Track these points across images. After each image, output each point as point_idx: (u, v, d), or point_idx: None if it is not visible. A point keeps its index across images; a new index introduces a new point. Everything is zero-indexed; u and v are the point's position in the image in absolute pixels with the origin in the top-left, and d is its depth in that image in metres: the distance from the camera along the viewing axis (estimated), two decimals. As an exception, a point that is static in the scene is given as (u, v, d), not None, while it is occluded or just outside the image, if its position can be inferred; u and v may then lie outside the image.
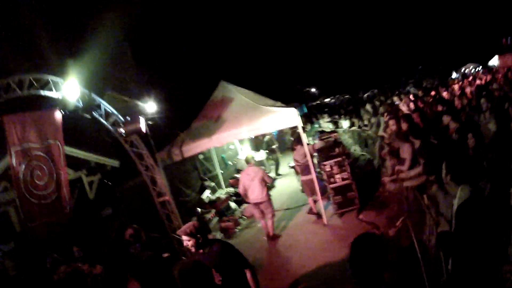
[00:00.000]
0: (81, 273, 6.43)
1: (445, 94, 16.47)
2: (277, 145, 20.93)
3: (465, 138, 7.80)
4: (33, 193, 8.53)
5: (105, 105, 9.74)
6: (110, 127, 9.89)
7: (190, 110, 14.64)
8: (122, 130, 9.68)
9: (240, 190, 11.83)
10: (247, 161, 12.15)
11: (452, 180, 5.54)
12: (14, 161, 8.24)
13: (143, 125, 9.68)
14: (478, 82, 19.47)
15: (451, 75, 40.62)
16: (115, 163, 13.83)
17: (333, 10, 56.72)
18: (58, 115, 9.00)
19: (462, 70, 42.46)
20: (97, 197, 13.21)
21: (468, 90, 16.07)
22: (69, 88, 8.72)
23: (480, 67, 40.15)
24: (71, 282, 5.93)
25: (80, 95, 8.99)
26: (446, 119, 9.57)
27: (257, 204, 11.36)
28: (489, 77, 20.42)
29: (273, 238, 11.40)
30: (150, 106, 10.73)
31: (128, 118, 9.76)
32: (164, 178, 11.03)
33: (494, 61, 37.62)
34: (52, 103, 9.18)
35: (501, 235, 4.74)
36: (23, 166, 8.34)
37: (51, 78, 8.69)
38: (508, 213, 4.91)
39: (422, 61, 52.78)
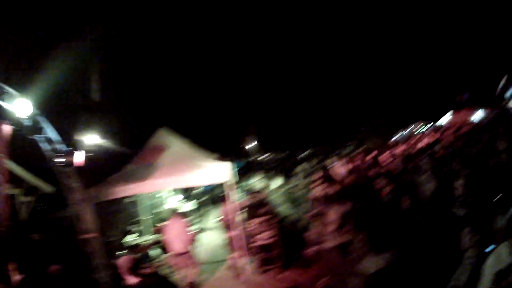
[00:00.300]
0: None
1: (384, 155, 16.79)
2: (207, 197, 21.06)
3: (399, 200, 8.18)
4: None
5: (50, 130, 9.65)
6: (49, 153, 9.80)
7: (126, 152, 14.66)
8: (59, 160, 9.60)
9: (166, 239, 11.89)
10: (174, 212, 12.41)
11: (372, 248, 6.07)
12: None
13: (81, 159, 9.63)
14: (424, 141, 20.12)
15: (396, 135, 41.54)
16: (50, 189, 13.62)
17: (279, 66, 57.59)
18: (6, 128, 8.80)
19: (409, 129, 43.79)
20: (30, 218, 12.96)
21: (408, 151, 16.82)
22: (22, 104, 8.61)
23: (429, 125, 41.66)
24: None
25: (30, 113, 8.90)
26: (381, 181, 9.83)
27: (179, 255, 11.38)
28: (435, 136, 20.98)
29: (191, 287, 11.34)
30: (90, 139, 10.68)
31: (68, 149, 9.70)
32: (92, 215, 10.87)
33: (446, 118, 38.97)
34: (2, 115, 9.05)
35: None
36: None
37: (6, 88, 8.60)
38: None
39: (368, 121, 53.36)
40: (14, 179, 11.60)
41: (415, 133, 39.11)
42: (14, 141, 8.84)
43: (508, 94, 39.69)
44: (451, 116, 38.02)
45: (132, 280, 5.73)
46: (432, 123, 42.18)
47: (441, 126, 36.03)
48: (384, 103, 53.50)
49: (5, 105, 8.58)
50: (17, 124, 8.78)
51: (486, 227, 6.16)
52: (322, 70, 58.07)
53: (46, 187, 13.60)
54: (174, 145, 13.12)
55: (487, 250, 5.05)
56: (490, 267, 4.47)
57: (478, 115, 36.29)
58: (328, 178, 12.32)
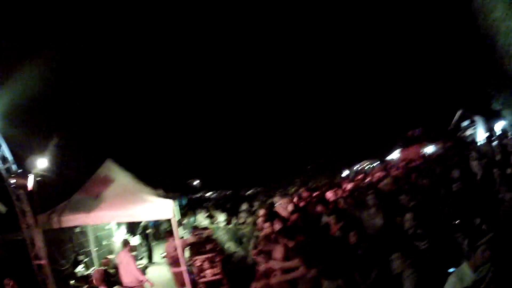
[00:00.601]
0: None
1: (330, 194, 17.02)
2: (152, 231, 21.06)
3: (347, 235, 8.16)
4: None
5: (5, 149, 9.58)
6: (3, 172, 9.69)
7: (77, 179, 14.53)
8: (12, 181, 9.52)
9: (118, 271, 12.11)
10: (124, 245, 12.58)
11: (323, 276, 6.25)
12: None
13: (30, 182, 9.57)
14: (371, 177, 20.66)
15: (342, 173, 42.02)
16: (2, 208, 13.34)
17: (223, 104, 57.99)
18: None
19: (356, 167, 44.45)
20: None
21: (354, 188, 17.34)
22: None
23: (377, 163, 42.04)
24: None
25: None
26: (327, 219, 10.05)
27: None
28: (382, 173, 21.44)
29: None
30: (42, 163, 10.60)
31: (20, 171, 9.63)
32: (42, 242, 10.77)
33: (394, 155, 39.82)
34: None
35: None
36: None
37: None
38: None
39: (315, 159, 53.81)
40: None
41: (363, 170, 39.62)
42: None
43: (462, 126, 41.55)
44: (400, 152, 38.99)
45: None
46: (380, 160, 43.10)
47: (389, 162, 36.73)
48: (331, 142, 54.74)
49: None
50: None
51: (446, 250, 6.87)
52: (268, 111, 58.72)
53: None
54: (120, 177, 13.07)
55: (450, 270, 5.30)
56: (452, 286, 4.80)
57: (429, 149, 37.74)
58: (274, 215, 12.66)
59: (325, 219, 10.31)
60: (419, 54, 45.89)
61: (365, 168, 42.18)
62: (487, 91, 35.60)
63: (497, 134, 32.85)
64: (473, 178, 11.20)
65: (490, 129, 38.57)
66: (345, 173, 42.61)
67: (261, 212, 15.07)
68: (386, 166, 30.67)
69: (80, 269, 14.41)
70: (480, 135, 39.75)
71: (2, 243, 12.35)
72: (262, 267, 9.64)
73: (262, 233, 11.48)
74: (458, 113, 44.56)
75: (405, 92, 50.06)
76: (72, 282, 13.18)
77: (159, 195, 13.08)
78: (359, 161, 47.59)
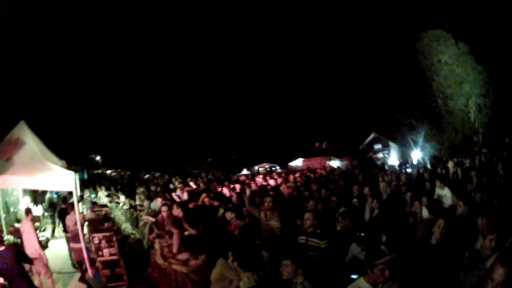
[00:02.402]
0: None
1: (226, 190, 17.26)
2: (55, 204, 20.64)
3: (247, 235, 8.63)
4: None
5: None
6: None
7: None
8: None
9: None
10: (26, 213, 12.56)
11: (239, 266, 6.39)
12: None
13: None
14: (271, 180, 20.53)
15: (242, 171, 43.39)
16: None
17: (134, 84, 57.42)
18: None
19: (256, 168, 45.77)
20: None
21: (254, 188, 17.23)
22: None
23: (277, 167, 44.37)
24: None
25: None
26: (229, 215, 10.12)
27: (32, 260, 10.81)
28: (282, 177, 21.59)
29: None
30: None
31: None
32: None
33: (296, 163, 41.16)
34: None
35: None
36: None
37: None
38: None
39: (215, 154, 55.18)
40: None
41: (263, 172, 40.44)
42: None
43: (375, 148, 43.83)
44: (302, 162, 40.37)
45: None
46: (280, 165, 45.32)
47: (290, 168, 38.35)
48: (234, 140, 55.50)
49: None
50: None
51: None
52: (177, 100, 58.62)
53: None
54: (29, 143, 12.79)
55: (353, 276, 5.85)
56: None
57: (334, 163, 39.43)
58: (172, 201, 12.73)
59: (228, 215, 10.28)
60: (353, 69, 47.78)
61: (265, 170, 42.34)
62: (409, 121, 38.75)
63: (413, 163, 35.47)
64: (379, 197, 11.28)
65: (403, 157, 41.69)
66: (244, 171, 43.76)
67: (160, 197, 15.42)
68: (288, 171, 32.44)
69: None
70: (393, 160, 42.75)
71: None
72: (158, 252, 9.76)
73: (160, 216, 11.61)
74: (372, 135, 46.99)
75: (321, 103, 52.90)
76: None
77: (62, 166, 12.87)
78: (259, 162, 48.66)
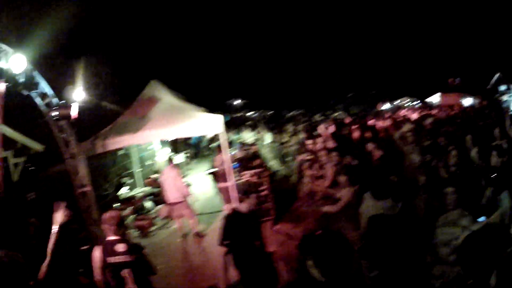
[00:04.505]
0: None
1: (371, 122, 17.18)
2: (195, 150, 21.72)
3: (386, 165, 8.39)
4: None
5: (44, 85, 9.56)
6: (43, 108, 9.72)
7: (118, 105, 14.58)
8: (54, 113, 9.55)
9: (162, 189, 12.03)
10: (169, 161, 12.46)
11: (372, 195, 6.25)
12: None
13: (75, 111, 9.59)
14: (412, 115, 20.55)
15: (383, 105, 41.80)
16: (39, 147, 13.55)
17: (271, 26, 56.68)
18: (1, 86, 8.73)
19: (397, 102, 44.06)
20: (21, 180, 12.89)
21: (396, 122, 16.83)
22: (17, 61, 8.48)
23: (418, 102, 41.98)
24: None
25: (24, 69, 8.78)
26: (370, 146, 10.05)
27: (174, 204, 11.48)
28: (424, 112, 21.49)
29: (197, 237, 11.52)
30: (82, 93, 10.56)
31: (62, 102, 9.64)
32: (86, 169, 10.81)
33: (434, 99, 39.26)
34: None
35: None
36: None
37: (2, 46, 8.38)
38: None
39: (353, 88, 53.53)
40: (5, 140, 11.39)
41: (403, 106, 39.72)
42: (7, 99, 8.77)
43: (500, 89, 40.44)
44: (440, 97, 38.24)
45: (112, 237, 5.67)
46: (419, 100, 42.80)
47: (430, 104, 36.62)
48: (373, 74, 53.76)
49: (1, 64, 8.46)
50: (11, 81, 8.69)
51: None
52: (314, 34, 57.37)
53: (36, 146, 13.50)
54: (165, 97, 12.95)
55: (479, 220, 5.39)
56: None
57: (468, 101, 36.66)
58: (320, 136, 12.65)
59: (369, 146, 10.27)
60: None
61: (404, 104, 41.90)
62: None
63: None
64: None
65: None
66: (385, 106, 42.38)
67: (307, 132, 15.35)
68: (427, 107, 31.49)
69: (123, 191, 14.65)
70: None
71: (47, 176, 12.59)
72: (307, 186, 9.84)
73: (310, 151, 11.62)
74: (496, 76, 43.28)
75: (451, 40, 49.37)
76: (116, 205, 13.42)
77: (206, 111, 12.89)
78: (398, 97, 46.96)
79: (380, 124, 16.78)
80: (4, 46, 8.31)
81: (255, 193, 8.95)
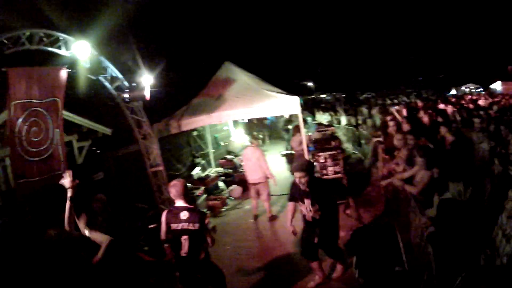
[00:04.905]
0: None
1: (441, 107, 16.83)
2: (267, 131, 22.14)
3: (458, 151, 8.35)
4: (26, 149, 8.33)
5: (112, 69, 9.71)
6: (113, 91, 9.87)
7: (189, 88, 14.71)
8: (125, 96, 9.68)
9: (243, 168, 12.23)
10: (251, 141, 12.28)
11: (445, 179, 6.34)
12: (12, 114, 8.04)
13: (147, 93, 9.69)
14: (480, 102, 19.92)
15: (450, 91, 41.00)
16: (107, 130, 13.85)
17: (344, 9, 56.12)
18: (64, 73, 8.84)
19: (462, 88, 43.01)
20: (86, 162, 13.20)
21: (464, 108, 16.51)
22: (80, 48, 8.67)
23: (481, 89, 40.80)
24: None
25: (89, 56, 8.95)
26: (443, 130, 9.93)
27: (254, 185, 11.45)
28: (490, 100, 20.90)
29: (271, 219, 11.42)
30: (148, 77, 10.68)
31: (133, 84, 9.75)
32: (158, 149, 11.01)
33: (496, 86, 38.02)
34: (59, 61, 9.10)
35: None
36: (21, 121, 8.14)
37: (62, 35, 8.60)
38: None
39: (422, 73, 52.75)
40: (67, 126, 11.64)
41: (469, 92, 39.01)
42: (67, 88, 8.95)
43: None
44: (501, 85, 37.06)
45: (181, 203, 6.02)
46: (482, 87, 41.98)
47: (494, 91, 35.81)
48: (440, 59, 52.58)
49: (62, 52, 8.64)
50: (76, 67, 8.88)
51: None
52: (385, 18, 56.64)
53: (103, 130, 13.80)
54: (241, 78, 12.98)
55: None
56: None
57: None
58: (394, 119, 12.56)
59: (442, 130, 10.10)
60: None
61: (471, 91, 41.05)
62: None
63: None
64: None
65: None
66: (452, 91, 41.47)
67: (383, 115, 15.13)
68: (492, 94, 30.19)
69: (196, 171, 14.80)
70: None
71: (116, 157, 12.83)
72: (382, 169, 9.91)
73: (387, 133, 11.57)
74: None
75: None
76: (188, 185, 13.43)
77: (282, 92, 12.82)
78: (464, 82, 46.08)
79: (449, 109, 16.26)
80: (63, 35, 8.53)
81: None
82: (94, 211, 7.16)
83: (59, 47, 8.59)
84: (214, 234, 8.72)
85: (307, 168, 6.54)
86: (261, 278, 8.22)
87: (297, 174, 6.52)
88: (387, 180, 9.27)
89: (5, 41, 7.68)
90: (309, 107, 29.08)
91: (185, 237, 5.94)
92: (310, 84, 48.39)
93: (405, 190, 8.12)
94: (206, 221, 6.07)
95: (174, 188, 6.08)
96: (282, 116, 23.21)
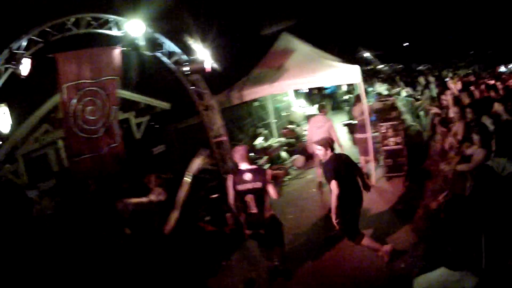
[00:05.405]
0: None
1: (492, 83, 15.83)
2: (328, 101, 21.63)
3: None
4: (82, 127, 8.79)
5: (169, 44, 9.89)
6: (172, 66, 10.05)
7: (247, 60, 14.77)
8: (185, 69, 9.85)
9: (308, 137, 12.16)
10: (320, 109, 12.32)
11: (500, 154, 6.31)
12: (65, 96, 8.47)
13: (208, 64, 9.83)
14: None
15: (500, 68, 39.94)
16: (165, 105, 14.11)
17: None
18: (117, 52, 9.16)
19: (510, 66, 41.83)
20: (145, 137, 13.53)
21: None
22: (133, 26, 8.92)
23: None
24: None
25: (143, 33, 9.18)
26: (498, 107, 9.58)
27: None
28: None
29: None
30: (206, 51, 10.80)
31: (192, 57, 9.96)
32: (221, 120, 11.27)
33: None
34: (111, 41, 9.34)
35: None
36: (75, 101, 8.57)
37: (111, 17, 8.87)
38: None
39: (472, 48, 51.32)
40: (124, 104, 11.94)
41: None
42: (125, 64, 9.19)
43: None
44: None
45: (244, 166, 6.51)
46: None
47: None
48: (490, 33, 50.90)
49: (113, 32, 8.87)
50: (131, 45, 9.10)
51: None
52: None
53: (161, 105, 14.03)
54: (300, 48, 12.90)
55: None
56: None
57: None
58: (452, 92, 12.47)
59: (497, 106, 9.69)
60: None
61: None
62: None
63: None
64: None
65: None
66: (501, 68, 40.23)
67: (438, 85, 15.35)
68: None
69: (259, 141, 14.94)
70: None
71: (176, 130, 13.05)
72: (439, 143, 9.82)
73: (445, 104, 11.60)
74: None
75: None
76: (251, 154, 13.56)
77: (342, 62, 12.77)
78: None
79: (499, 85, 15.60)
80: (112, 17, 8.85)
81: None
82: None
83: (109, 28, 8.92)
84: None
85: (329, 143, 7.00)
86: (321, 248, 8.26)
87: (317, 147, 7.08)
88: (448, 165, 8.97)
89: (48, 29, 8.02)
90: (367, 78, 28.79)
91: (250, 196, 6.42)
92: (367, 54, 47.43)
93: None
94: (268, 177, 6.47)
95: (237, 153, 6.65)
96: (341, 86, 23.25)
